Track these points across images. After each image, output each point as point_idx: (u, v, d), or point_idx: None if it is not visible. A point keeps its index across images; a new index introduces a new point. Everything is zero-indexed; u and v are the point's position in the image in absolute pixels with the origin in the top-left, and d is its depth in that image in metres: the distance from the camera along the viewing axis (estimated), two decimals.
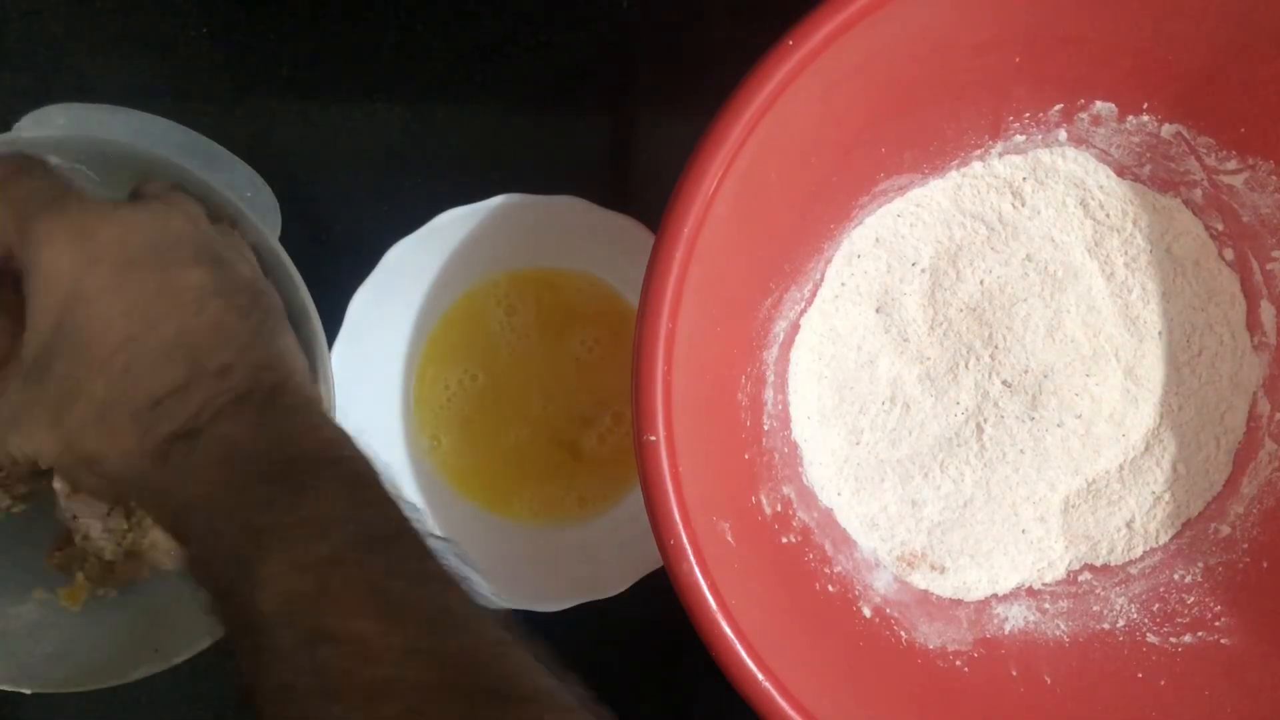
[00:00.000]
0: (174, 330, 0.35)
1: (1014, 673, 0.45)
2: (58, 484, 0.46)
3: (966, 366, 0.47)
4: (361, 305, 0.46)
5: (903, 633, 0.45)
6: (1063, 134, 0.45)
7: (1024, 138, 0.45)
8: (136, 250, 0.35)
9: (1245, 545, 0.46)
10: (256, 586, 0.30)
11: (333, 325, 0.45)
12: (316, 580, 0.30)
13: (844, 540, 0.46)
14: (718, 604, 0.36)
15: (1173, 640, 0.45)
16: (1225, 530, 0.47)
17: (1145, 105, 0.44)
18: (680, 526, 0.35)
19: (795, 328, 0.46)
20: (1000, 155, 0.46)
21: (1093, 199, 0.46)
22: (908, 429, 0.47)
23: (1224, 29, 0.40)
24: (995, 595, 0.47)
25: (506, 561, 0.49)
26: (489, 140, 0.51)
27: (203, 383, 0.34)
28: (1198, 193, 0.46)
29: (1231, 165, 0.44)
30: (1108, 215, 0.46)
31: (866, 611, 0.45)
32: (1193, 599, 0.46)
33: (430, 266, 0.48)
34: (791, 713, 0.36)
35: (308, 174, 0.50)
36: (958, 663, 0.44)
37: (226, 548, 0.31)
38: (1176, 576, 0.47)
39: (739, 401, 0.43)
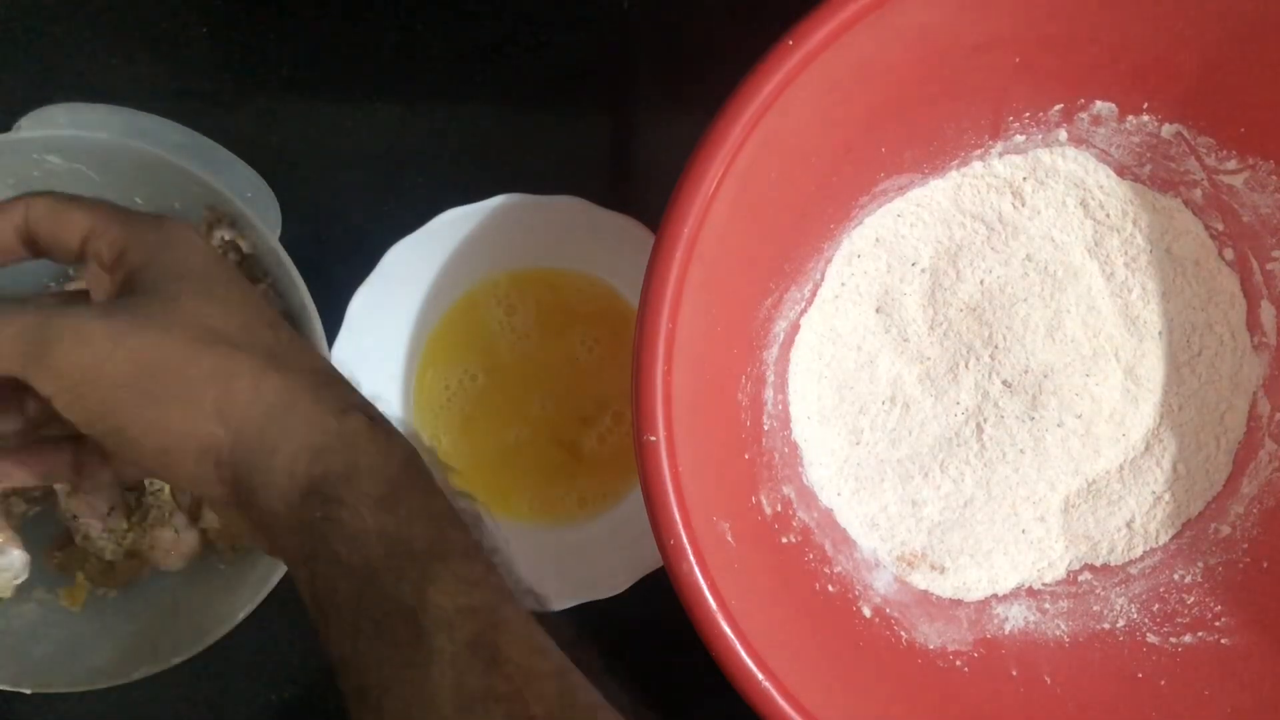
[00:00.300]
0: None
1: (1014, 673, 0.45)
2: (58, 484, 0.46)
3: (966, 366, 0.47)
4: (361, 305, 0.46)
5: (903, 633, 0.45)
6: (1063, 134, 0.45)
7: (1024, 138, 0.45)
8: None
9: (1245, 545, 0.46)
10: (427, 585, 0.30)
11: (333, 325, 0.46)
12: (485, 598, 0.30)
13: (844, 540, 0.46)
14: (718, 604, 0.36)
15: (1173, 640, 0.45)
16: (1225, 530, 0.47)
17: (1145, 105, 0.44)
18: (680, 526, 0.35)
19: (795, 328, 0.46)
20: (1000, 155, 0.46)
21: (1093, 199, 0.46)
22: (908, 429, 0.47)
23: (1224, 29, 0.40)
24: (995, 595, 0.47)
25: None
26: (489, 140, 0.51)
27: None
28: (1198, 193, 0.46)
29: (1231, 165, 0.45)
30: (1108, 215, 0.46)
31: (866, 611, 0.45)
32: (1193, 599, 0.46)
33: (430, 266, 0.48)
34: (791, 713, 0.36)
35: (308, 174, 0.50)
36: (958, 663, 0.44)
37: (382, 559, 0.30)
38: (1176, 576, 0.47)
39: (739, 401, 0.43)
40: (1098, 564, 0.47)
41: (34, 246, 0.34)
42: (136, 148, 0.42)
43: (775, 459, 0.45)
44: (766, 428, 0.44)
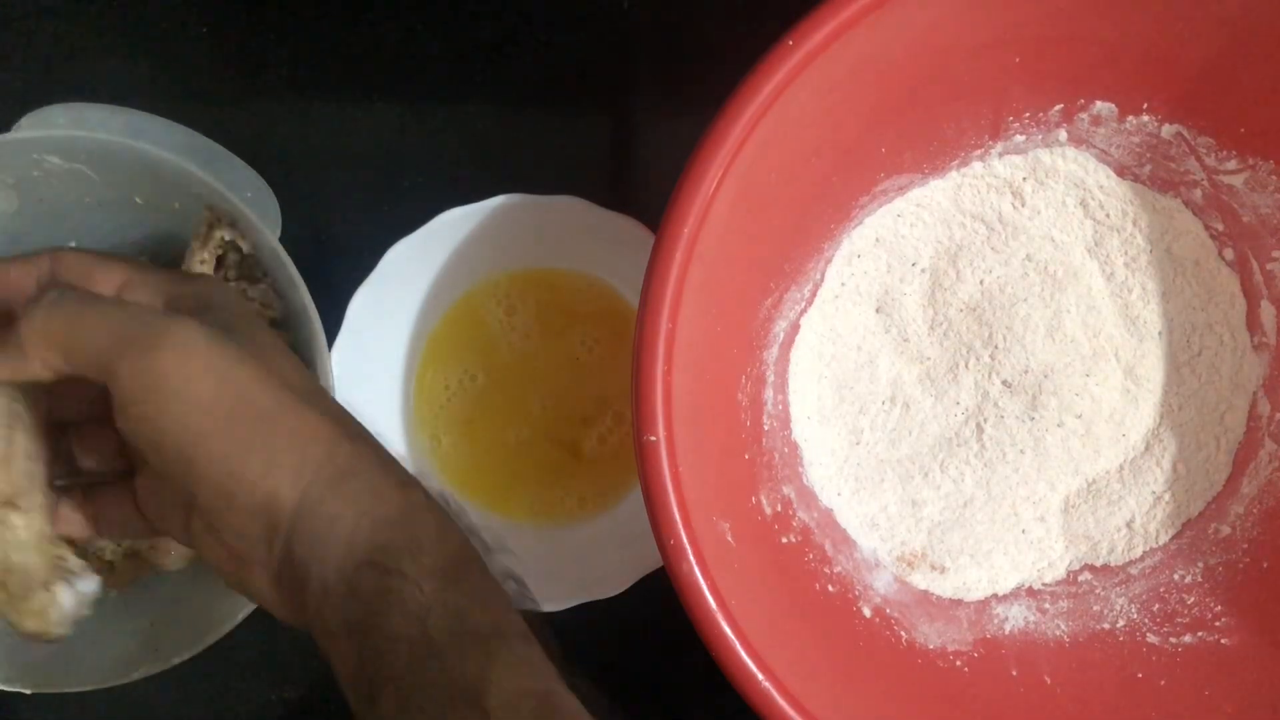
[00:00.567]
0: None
1: (1014, 673, 0.45)
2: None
3: (966, 366, 0.47)
4: (361, 305, 0.46)
5: (903, 633, 0.45)
6: (1063, 134, 0.45)
7: (1024, 138, 0.45)
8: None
9: (1245, 545, 0.46)
10: (491, 665, 0.29)
11: (333, 325, 0.46)
12: (543, 681, 0.29)
13: (844, 540, 0.46)
14: (718, 604, 0.36)
15: (1173, 640, 0.45)
16: (1225, 530, 0.47)
17: (1145, 105, 0.44)
18: (680, 526, 0.35)
19: (795, 328, 0.46)
20: (1000, 155, 0.46)
21: (1093, 199, 0.46)
22: (908, 429, 0.47)
23: (1224, 29, 0.40)
24: (995, 595, 0.47)
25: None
26: (489, 140, 0.51)
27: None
28: (1198, 193, 0.46)
29: (1231, 165, 0.45)
30: (1108, 215, 0.46)
31: (866, 612, 0.45)
32: (1193, 599, 0.46)
33: (430, 266, 0.48)
34: (791, 713, 0.36)
35: (308, 174, 0.50)
36: (958, 663, 0.44)
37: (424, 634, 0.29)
38: (1176, 576, 0.47)
39: (739, 401, 0.43)
40: (1098, 564, 0.47)
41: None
42: (136, 148, 0.42)
43: (775, 459, 0.45)
44: (766, 428, 0.44)
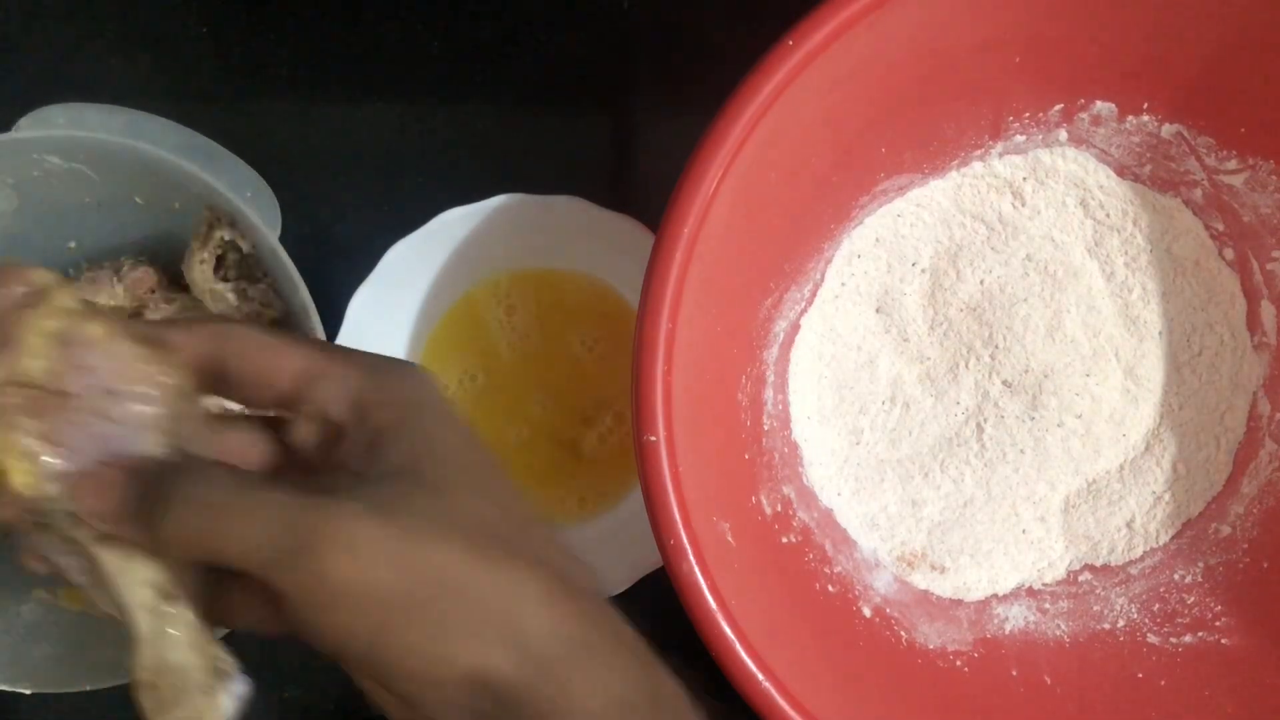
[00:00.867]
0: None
1: (1014, 673, 0.45)
2: None
3: (966, 366, 0.47)
4: (361, 305, 0.46)
5: (903, 633, 0.45)
6: (1063, 134, 0.45)
7: (1024, 138, 0.45)
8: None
9: (1245, 545, 0.46)
10: None
11: (333, 325, 0.46)
12: None
13: (844, 540, 0.46)
14: (718, 604, 0.36)
15: (1173, 640, 0.45)
16: (1225, 530, 0.47)
17: (1145, 105, 0.44)
18: (680, 526, 0.35)
19: (795, 328, 0.46)
20: (1000, 155, 0.46)
21: (1093, 199, 0.46)
22: (908, 429, 0.47)
23: (1224, 29, 0.40)
24: (995, 595, 0.47)
25: None
26: (489, 140, 0.51)
27: None
28: (1198, 193, 0.46)
29: (1232, 165, 0.44)
30: (1108, 215, 0.46)
31: (866, 611, 0.45)
32: (1193, 599, 0.46)
33: (430, 266, 0.48)
34: (791, 713, 0.36)
35: (308, 174, 0.50)
36: (958, 663, 0.44)
37: None
38: (1176, 576, 0.47)
39: (739, 401, 0.43)
40: (1098, 564, 0.47)
41: (217, 379, 0.28)
42: (136, 148, 0.42)
43: (775, 459, 0.45)
44: (766, 428, 0.44)
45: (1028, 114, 0.44)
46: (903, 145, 0.43)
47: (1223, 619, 0.45)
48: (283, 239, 0.45)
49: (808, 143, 0.40)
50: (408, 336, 0.49)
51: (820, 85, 0.36)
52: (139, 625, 0.26)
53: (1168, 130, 0.44)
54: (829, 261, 0.46)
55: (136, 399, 0.26)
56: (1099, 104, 0.44)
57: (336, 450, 0.27)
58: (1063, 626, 0.46)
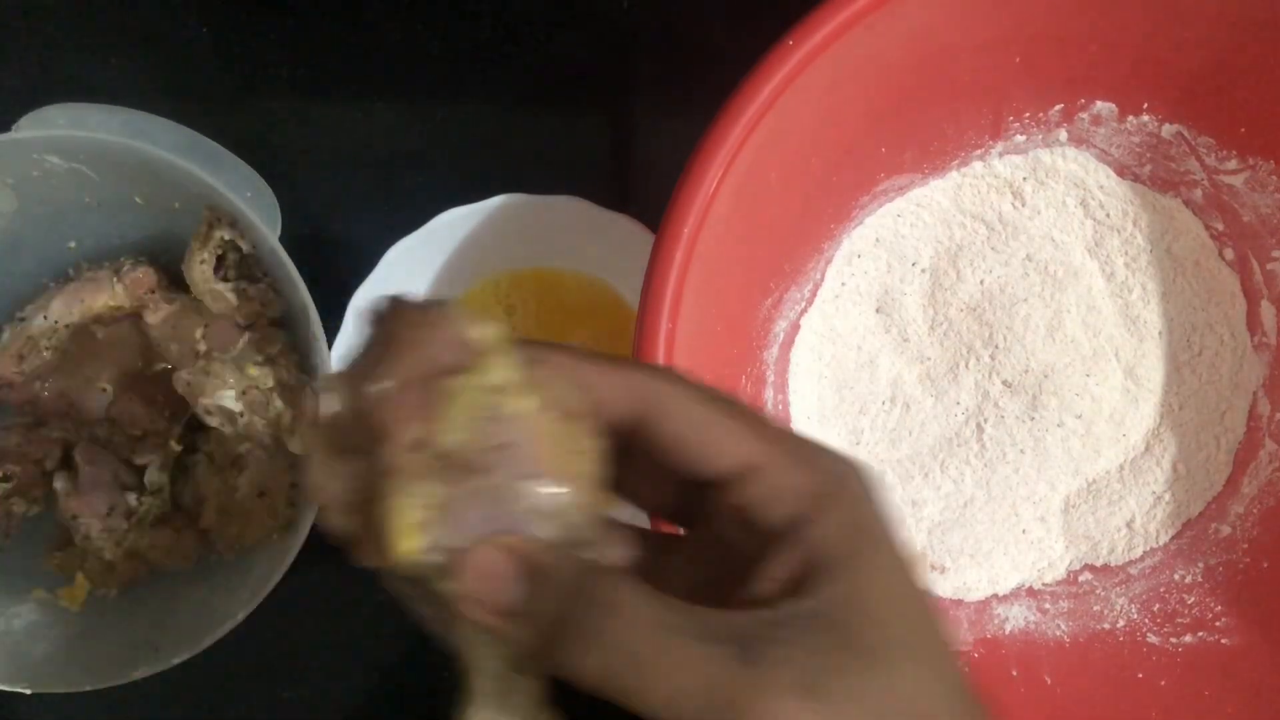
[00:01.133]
0: None
1: (1014, 673, 0.45)
2: (58, 483, 0.46)
3: (967, 366, 0.47)
4: (361, 305, 0.46)
5: None
6: (1063, 134, 0.45)
7: (1024, 137, 0.45)
8: None
9: (1245, 545, 0.46)
10: None
11: (333, 325, 0.45)
12: None
13: None
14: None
15: (1173, 640, 0.45)
16: (1225, 530, 0.47)
17: (1145, 105, 0.44)
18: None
19: (795, 328, 0.46)
20: (1000, 155, 0.46)
21: (1093, 199, 0.46)
22: (908, 429, 0.47)
23: (1224, 29, 0.40)
24: (995, 595, 0.47)
25: None
26: (489, 140, 0.51)
27: None
28: (1198, 193, 0.46)
29: (1232, 165, 0.44)
30: (1108, 215, 0.46)
31: None
32: (1193, 599, 0.46)
33: (430, 266, 0.48)
34: None
35: (308, 174, 0.50)
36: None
37: None
38: (1177, 576, 0.47)
39: None
40: (1098, 564, 0.47)
41: (633, 433, 0.24)
42: (136, 148, 0.42)
43: None
44: None
45: (1028, 114, 0.44)
46: (903, 145, 0.43)
47: (1223, 619, 0.45)
48: (283, 239, 0.45)
49: (808, 143, 0.40)
50: None
51: (820, 85, 0.36)
52: (480, 688, 0.24)
53: (1168, 130, 0.44)
54: (829, 261, 0.46)
55: (547, 489, 0.23)
56: (1099, 104, 0.44)
57: (750, 561, 0.24)
58: (1063, 626, 0.46)
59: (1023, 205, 0.46)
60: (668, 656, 0.21)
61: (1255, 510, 0.46)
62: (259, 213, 0.43)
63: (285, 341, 0.47)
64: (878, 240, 0.46)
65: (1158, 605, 0.46)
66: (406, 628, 0.51)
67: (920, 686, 0.22)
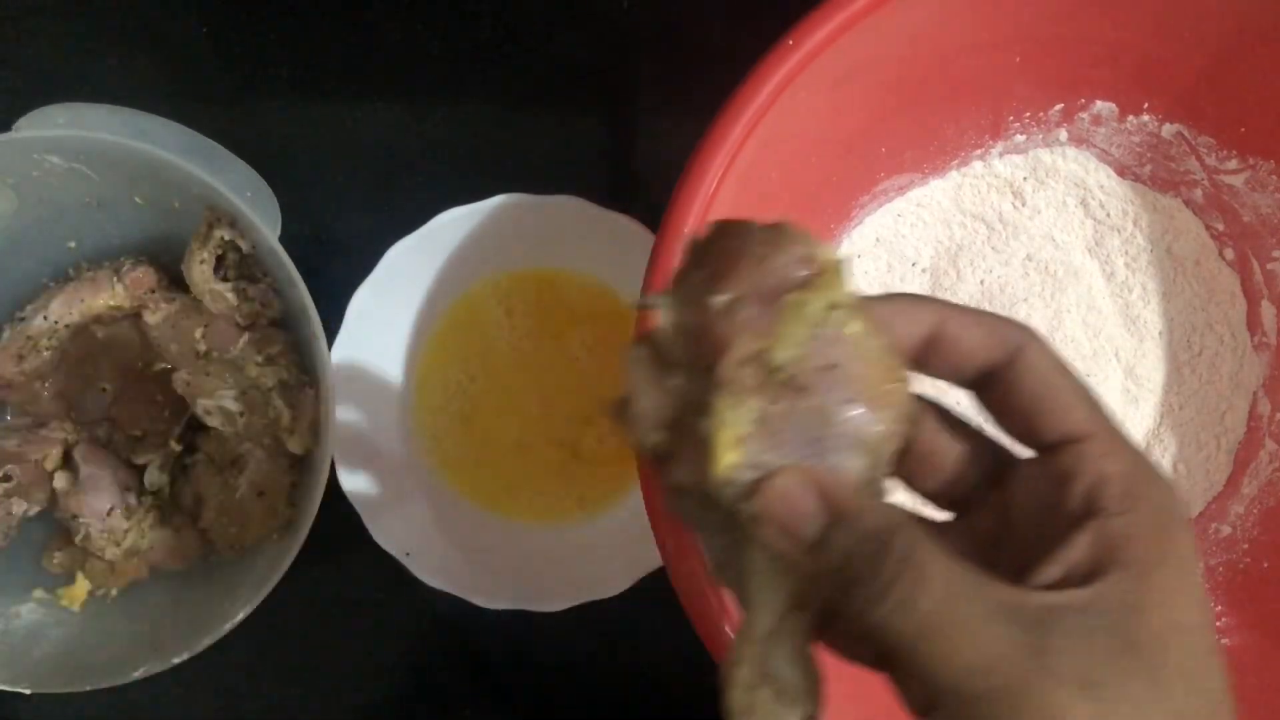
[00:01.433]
0: None
1: None
2: (58, 483, 0.46)
3: None
4: (361, 305, 0.46)
5: None
6: (1063, 134, 0.45)
7: (1024, 137, 0.45)
8: None
9: (1245, 545, 0.46)
10: None
11: (333, 325, 0.46)
12: None
13: None
14: (718, 604, 0.35)
15: None
16: (1225, 530, 0.47)
17: (1146, 105, 0.44)
18: (680, 527, 0.35)
19: None
20: (1000, 155, 0.46)
21: (1093, 199, 0.46)
22: None
23: (1224, 29, 0.40)
24: None
25: (507, 562, 0.49)
26: (489, 140, 0.51)
27: None
28: (1198, 192, 0.46)
29: (1232, 165, 0.44)
30: (1108, 215, 0.46)
31: None
32: None
33: (430, 266, 0.48)
34: None
35: (308, 174, 0.50)
36: None
37: None
38: None
39: None
40: None
41: (942, 361, 0.26)
42: (136, 148, 0.42)
43: None
44: None
45: (1028, 114, 0.44)
46: (903, 145, 0.43)
47: (1223, 619, 0.45)
48: (283, 239, 0.45)
49: (808, 142, 0.40)
50: (408, 336, 0.49)
51: (820, 85, 0.36)
52: (758, 624, 0.24)
53: (1168, 130, 0.44)
54: None
55: (865, 418, 0.24)
56: (1099, 104, 0.44)
57: (1032, 542, 0.24)
58: None
59: (1023, 205, 0.46)
60: (966, 629, 0.21)
61: (1255, 510, 0.46)
62: (259, 213, 0.43)
63: (285, 341, 0.47)
64: (878, 240, 0.46)
65: None
66: (407, 627, 0.51)
67: (1189, 716, 0.21)
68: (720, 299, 0.23)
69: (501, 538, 0.50)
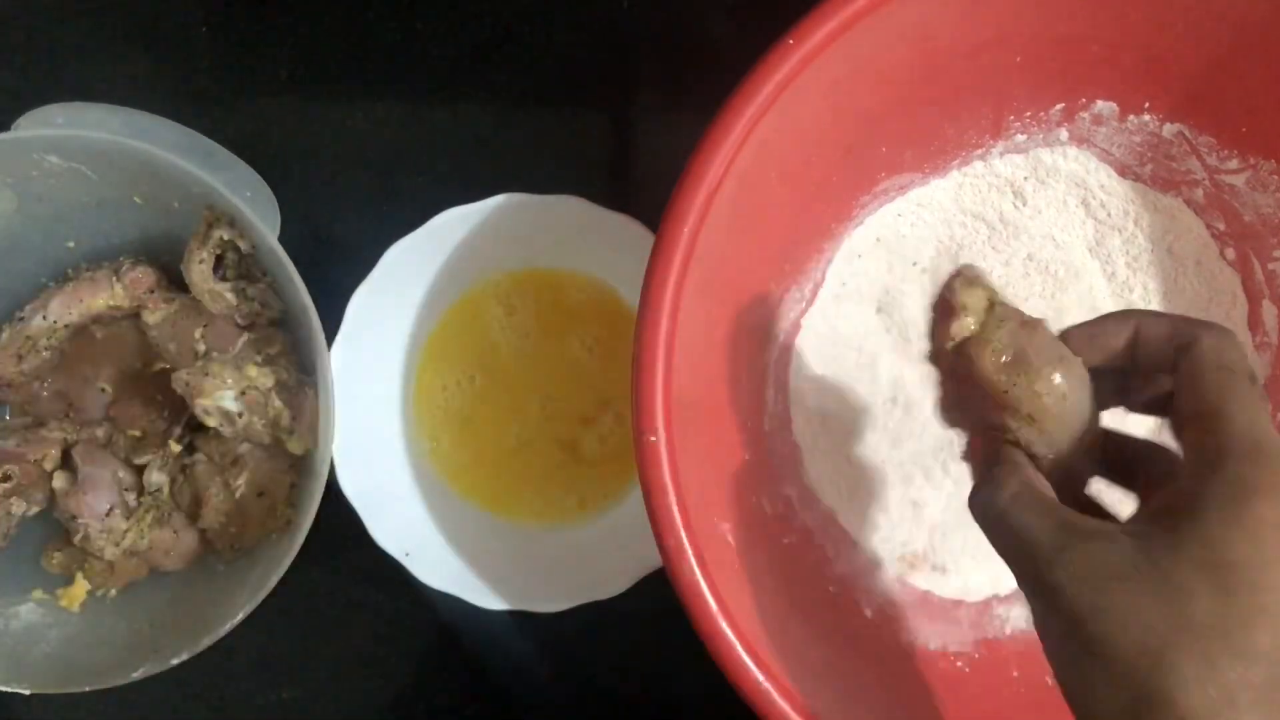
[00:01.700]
0: None
1: (1015, 674, 0.44)
2: (58, 483, 0.46)
3: None
4: (361, 305, 0.46)
5: (904, 634, 0.44)
6: (1064, 133, 0.45)
7: (1025, 137, 0.45)
8: None
9: None
10: None
11: (333, 325, 0.45)
12: None
13: (845, 541, 0.46)
14: (718, 604, 0.35)
15: None
16: None
17: (1146, 105, 0.44)
18: (680, 527, 0.35)
19: (796, 328, 0.46)
20: (1001, 154, 0.46)
21: (1094, 198, 0.46)
22: (909, 430, 0.47)
23: (1225, 28, 0.40)
24: (996, 596, 0.47)
25: (507, 562, 0.49)
26: (489, 140, 0.51)
27: None
28: (1199, 192, 0.46)
29: (1233, 164, 0.44)
30: (1109, 215, 0.46)
31: (868, 612, 0.44)
32: None
33: (430, 266, 0.48)
34: (791, 713, 0.36)
35: (308, 174, 0.50)
36: (959, 664, 0.44)
37: None
38: None
39: (739, 402, 0.42)
40: None
41: (1142, 353, 0.32)
42: (136, 148, 0.42)
43: (776, 459, 0.44)
44: (767, 428, 0.44)
45: (1029, 113, 0.44)
46: (903, 144, 0.43)
47: None
48: (283, 239, 0.45)
49: (808, 143, 0.40)
50: (408, 336, 0.49)
51: (820, 85, 0.36)
52: (1011, 457, 0.36)
53: (1169, 130, 0.44)
54: (829, 261, 0.46)
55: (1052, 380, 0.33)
56: (1100, 103, 0.44)
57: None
58: None
59: (1024, 205, 0.46)
60: (1023, 509, 0.35)
61: None
62: (258, 213, 0.43)
63: (285, 341, 0.47)
64: (878, 240, 0.46)
65: None
66: (406, 627, 0.51)
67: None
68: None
69: (501, 538, 0.50)
